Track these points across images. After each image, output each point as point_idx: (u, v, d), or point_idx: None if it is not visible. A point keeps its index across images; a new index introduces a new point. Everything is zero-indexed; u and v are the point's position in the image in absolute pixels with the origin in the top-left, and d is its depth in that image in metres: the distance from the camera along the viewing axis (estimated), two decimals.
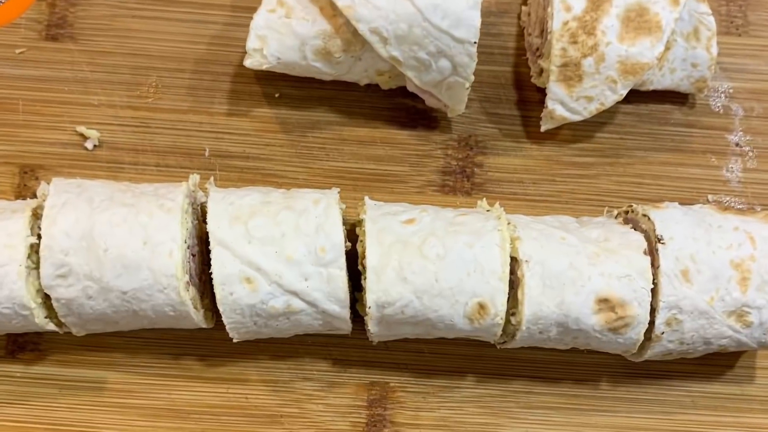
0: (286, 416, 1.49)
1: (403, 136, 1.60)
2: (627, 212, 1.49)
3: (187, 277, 1.35)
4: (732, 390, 1.54)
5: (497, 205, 1.45)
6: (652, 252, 1.39)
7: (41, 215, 1.31)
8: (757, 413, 1.53)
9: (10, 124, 1.56)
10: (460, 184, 1.58)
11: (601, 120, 1.61)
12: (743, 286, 1.36)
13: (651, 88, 1.58)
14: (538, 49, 1.59)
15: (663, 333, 1.38)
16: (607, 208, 1.56)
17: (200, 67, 1.61)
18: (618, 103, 1.53)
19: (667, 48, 1.53)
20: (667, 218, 1.40)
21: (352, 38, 1.46)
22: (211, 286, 1.36)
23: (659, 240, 1.38)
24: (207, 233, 1.36)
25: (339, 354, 1.52)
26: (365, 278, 1.37)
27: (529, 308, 1.35)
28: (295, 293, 1.34)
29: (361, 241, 1.40)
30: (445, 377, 1.52)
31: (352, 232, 1.47)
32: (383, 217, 1.39)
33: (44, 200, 1.34)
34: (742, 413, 1.53)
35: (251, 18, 1.47)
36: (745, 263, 1.37)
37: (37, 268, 1.30)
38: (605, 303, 1.35)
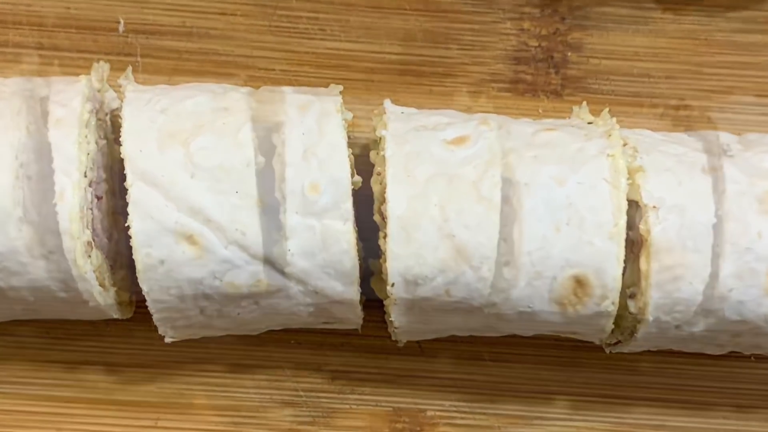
0: None
1: None
2: None
3: (88, 234, 1.35)
4: None
5: (606, 113, 1.45)
6: None
7: None
8: None
9: None
10: (545, 78, 1.59)
11: None
12: None
13: None
14: None
15: None
16: None
17: None
18: None
19: None
20: None
21: None
22: (129, 250, 1.36)
23: None
24: (122, 161, 1.35)
25: (342, 363, 1.55)
26: (386, 236, 1.36)
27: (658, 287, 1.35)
28: (268, 261, 1.35)
29: (379, 173, 1.40)
30: (519, 401, 1.55)
31: (365, 159, 1.47)
32: (415, 134, 1.38)
33: None
34: None
35: None
36: None
37: None
38: None
